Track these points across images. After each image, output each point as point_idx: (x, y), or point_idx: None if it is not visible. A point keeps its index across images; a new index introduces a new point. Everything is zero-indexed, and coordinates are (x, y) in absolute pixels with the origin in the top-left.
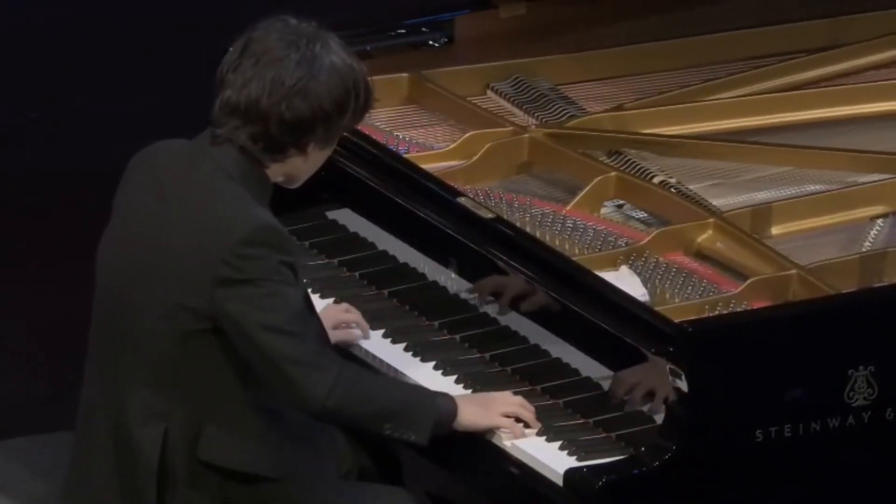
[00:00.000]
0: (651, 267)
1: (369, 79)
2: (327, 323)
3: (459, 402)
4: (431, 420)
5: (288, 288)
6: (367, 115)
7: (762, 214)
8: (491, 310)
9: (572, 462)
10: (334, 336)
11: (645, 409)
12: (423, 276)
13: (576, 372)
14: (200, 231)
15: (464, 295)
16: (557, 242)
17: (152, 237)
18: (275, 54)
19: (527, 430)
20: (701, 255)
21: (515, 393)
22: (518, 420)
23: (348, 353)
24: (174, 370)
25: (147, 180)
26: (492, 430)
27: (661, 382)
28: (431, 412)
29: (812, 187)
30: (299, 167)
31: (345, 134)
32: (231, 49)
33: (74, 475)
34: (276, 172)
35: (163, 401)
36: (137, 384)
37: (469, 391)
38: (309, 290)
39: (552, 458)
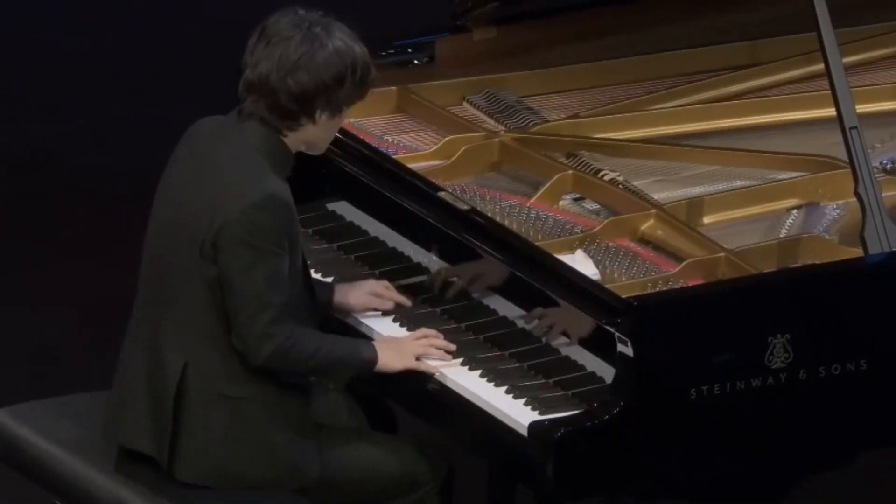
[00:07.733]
0: (602, 251)
1: (368, 58)
2: (365, 288)
3: (379, 349)
4: (351, 372)
5: (278, 258)
6: (369, 91)
7: (696, 206)
8: (466, 287)
9: (535, 416)
10: (366, 301)
11: (596, 371)
12: (409, 258)
13: (538, 339)
14: (223, 193)
15: (444, 275)
16: (523, 230)
17: (188, 199)
18: (282, 35)
19: (453, 361)
20: (644, 241)
21: (486, 358)
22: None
23: (346, 325)
24: (198, 311)
25: (189, 152)
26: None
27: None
28: (353, 365)
29: (739, 183)
30: (314, 134)
31: (343, 138)
32: (251, 37)
33: (115, 395)
34: (296, 141)
35: (186, 337)
36: (169, 321)
37: (452, 358)
38: (311, 269)
39: (518, 413)
